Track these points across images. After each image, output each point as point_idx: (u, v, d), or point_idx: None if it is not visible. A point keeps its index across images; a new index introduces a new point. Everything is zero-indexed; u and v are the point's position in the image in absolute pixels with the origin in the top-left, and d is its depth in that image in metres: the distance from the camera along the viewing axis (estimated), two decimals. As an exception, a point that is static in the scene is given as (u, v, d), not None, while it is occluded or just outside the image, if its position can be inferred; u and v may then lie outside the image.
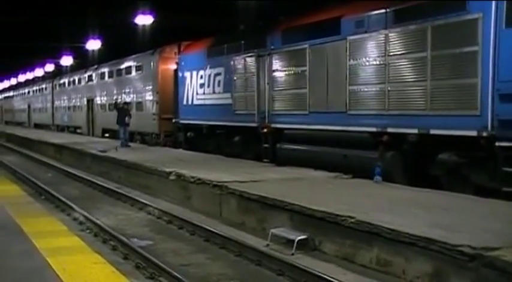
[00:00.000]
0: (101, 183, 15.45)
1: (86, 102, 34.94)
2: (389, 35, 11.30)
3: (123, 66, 28.64)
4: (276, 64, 14.95)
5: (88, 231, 9.80)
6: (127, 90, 27.78)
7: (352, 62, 12.26)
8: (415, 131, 10.77)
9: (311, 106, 13.68)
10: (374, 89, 11.74)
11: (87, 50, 34.48)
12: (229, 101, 17.06)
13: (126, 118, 21.75)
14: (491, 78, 9.27)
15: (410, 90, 10.89)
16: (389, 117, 11.38)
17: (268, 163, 14.87)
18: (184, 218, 10.42)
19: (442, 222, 7.23)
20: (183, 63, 20.49)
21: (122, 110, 22.11)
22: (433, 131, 10.42)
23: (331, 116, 12.97)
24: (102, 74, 32.17)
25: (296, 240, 8.17)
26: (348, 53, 12.35)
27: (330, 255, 7.99)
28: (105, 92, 31.57)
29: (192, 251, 8.65)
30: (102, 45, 32.28)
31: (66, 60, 40.81)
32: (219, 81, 17.77)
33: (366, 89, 11.95)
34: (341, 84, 12.56)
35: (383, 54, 11.46)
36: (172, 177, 13.18)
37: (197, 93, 19.13)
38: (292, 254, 8.04)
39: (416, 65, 10.74)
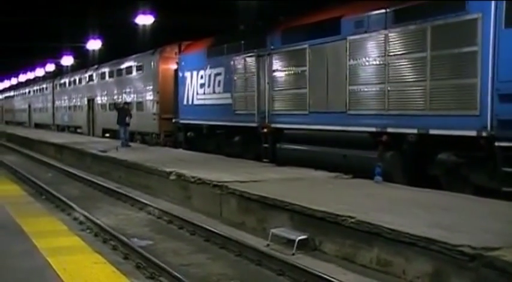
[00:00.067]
0: (101, 183, 15.46)
1: (86, 102, 34.96)
2: (389, 35, 11.31)
3: (123, 66, 28.65)
4: (276, 64, 14.96)
5: (88, 231, 9.81)
6: (127, 90, 27.80)
7: (352, 62, 12.27)
8: (415, 131, 10.78)
9: (311, 106, 13.69)
10: (374, 89, 11.75)
11: (87, 50, 34.52)
12: (229, 101, 17.07)
13: (127, 118, 21.76)
14: (491, 78, 9.27)
15: (410, 90, 10.91)
16: (389, 117, 11.39)
17: (268, 163, 14.88)
18: (184, 218, 10.43)
19: (442, 222, 7.24)
20: (183, 63, 20.50)
21: (122, 110, 22.12)
22: (432, 131, 10.42)
23: (331, 116, 12.98)
24: (103, 73, 32.19)
25: (296, 240, 8.18)
26: (347, 53, 12.36)
27: (330, 255, 8.00)
28: (105, 92, 31.58)
29: (192, 251, 8.66)
30: (102, 45, 32.32)
31: (67, 60, 40.84)
32: (219, 81, 17.78)
33: (365, 89, 11.96)
34: (341, 84, 12.57)
35: (383, 54, 11.47)
36: (172, 177, 13.19)
37: (197, 93, 19.14)
38: (293, 254, 8.05)
39: (416, 65, 10.75)
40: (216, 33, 19.49)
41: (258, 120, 15.53)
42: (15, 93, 61.79)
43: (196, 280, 7.14)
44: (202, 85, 18.82)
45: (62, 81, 42.64)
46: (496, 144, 9.16)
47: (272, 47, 15.12)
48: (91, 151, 20.18)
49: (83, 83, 36.32)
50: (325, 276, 6.69)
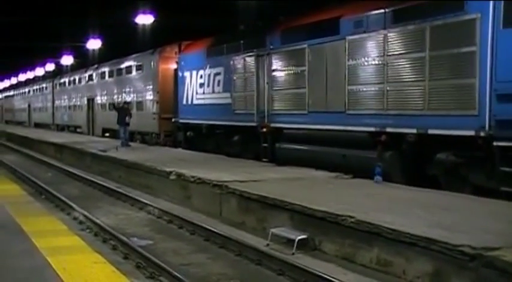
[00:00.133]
0: (101, 183, 15.47)
1: (86, 102, 34.94)
2: (388, 35, 11.32)
3: (123, 65, 28.65)
4: (275, 64, 14.98)
5: (88, 230, 9.81)
6: (127, 90, 27.80)
7: (351, 62, 12.29)
8: (414, 130, 10.79)
9: (310, 106, 13.70)
10: (373, 89, 11.76)
11: (87, 50, 34.56)
12: (229, 101, 17.09)
13: (127, 118, 21.75)
14: (489, 78, 9.28)
15: (408, 90, 10.92)
16: (388, 117, 11.40)
17: (268, 163, 14.89)
18: (184, 218, 10.43)
19: (442, 222, 7.24)
20: (183, 62, 20.51)
21: (122, 110, 22.12)
22: (431, 131, 10.44)
23: (330, 115, 12.99)
24: (103, 73, 32.18)
25: (296, 240, 8.19)
26: (347, 53, 12.37)
27: (330, 255, 8.01)
28: (105, 92, 31.58)
29: (192, 251, 8.67)
30: (102, 44, 32.35)
31: (67, 60, 40.87)
32: (218, 81, 17.79)
33: (364, 89, 11.97)
34: (340, 84, 12.59)
35: (382, 54, 11.48)
36: (172, 176, 13.20)
37: (197, 93, 19.15)
38: (293, 254, 8.06)
39: (414, 65, 10.76)
40: (216, 33, 19.51)
41: (258, 119, 15.54)
42: (15, 92, 61.78)
43: (196, 280, 7.15)
44: (201, 85, 18.84)
45: (62, 80, 42.62)
46: (494, 144, 9.16)
47: (271, 47, 15.13)
48: (91, 151, 20.19)
49: (83, 82, 36.31)
50: (325, 276, 6.70)
